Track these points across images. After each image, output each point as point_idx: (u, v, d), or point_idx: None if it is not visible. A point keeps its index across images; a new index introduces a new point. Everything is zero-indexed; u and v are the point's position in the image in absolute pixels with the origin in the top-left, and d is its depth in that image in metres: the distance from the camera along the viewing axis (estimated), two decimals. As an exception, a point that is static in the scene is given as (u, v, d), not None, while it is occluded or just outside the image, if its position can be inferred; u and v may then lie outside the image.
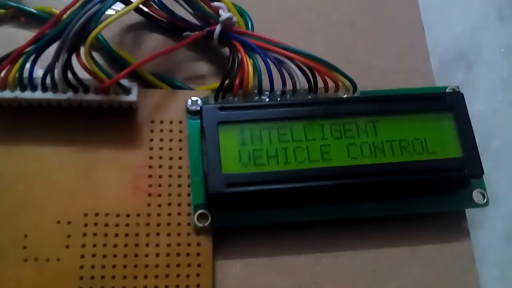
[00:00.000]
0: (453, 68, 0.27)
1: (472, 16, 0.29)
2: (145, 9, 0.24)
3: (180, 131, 0.22)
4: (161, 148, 0.22)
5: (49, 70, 0.20)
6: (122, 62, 0.23)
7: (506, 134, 0.26)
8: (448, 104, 0.22)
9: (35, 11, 0.24)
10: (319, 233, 0.22)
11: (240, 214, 0.21)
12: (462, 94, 0.23)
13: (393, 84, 0.24)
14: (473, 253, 0.23)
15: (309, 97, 0.23)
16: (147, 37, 0.25)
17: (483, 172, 0.21)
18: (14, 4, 0.24)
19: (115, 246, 0.20)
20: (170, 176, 0.21)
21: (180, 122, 0.22)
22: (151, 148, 0.22)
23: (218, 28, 0.23)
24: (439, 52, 0.27)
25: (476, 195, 0.22)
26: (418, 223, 0.23)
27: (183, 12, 0.24)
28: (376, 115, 0.22)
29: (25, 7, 0.24)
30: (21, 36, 0.24)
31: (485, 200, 0.22)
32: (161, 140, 0.22)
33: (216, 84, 0.23)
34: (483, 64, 0.27)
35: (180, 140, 0.22)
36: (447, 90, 0.24)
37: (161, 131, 0.22)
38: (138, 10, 0.24)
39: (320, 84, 0.22)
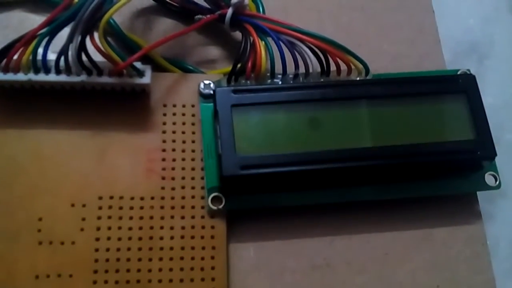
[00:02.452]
0: (465, 61, 0.27)
1: (484, 9, 0.28)
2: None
3: (193, 115, 0.22)
4: (174, 132, 0.22)
5: (63, 52, 0.20)
6: (133, 46, 0.23)
7: None
8: (461, 86, 0.22)
9: (45, -5, 0.24)
10: (332, 216, 0.22)
11: (254, 197, 0.21)
12: (474, 77, 0.23)
13: (404, 68, 0.24)
14: (486, 236, 0.23)
15: (322, 79, 0.23)
16: (158, 21, 0.25)
17: (495, 154, 0.21)
18: (24, -12, 0.24)
19: (130, 229, 0.20)
20: (183, 159, 0.21)
21: (193, 106, 0.22)
22: (164, 132, 0.22)
23: (229, 11, 0.23)
24: (451, 44, 0.27)
25: (488, 178, 0.22)
26: (431, 206, 0.23)
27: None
28: (389, 97, 0.22)
29: (36, -9, 0.24)
30: (33, 20, 0.24)
31: (497, 182, 0.22)
32: (174, 123, 0.22)
33: (228, 68, 0.23)
34: (495, 56, 0.27)
35: (193, 124, 0.22)
36: (459, 73, 0.24)
37: (174, 114, 0.22)
38: (149, -7, 0.24)
39: (333, 67, 0.22)
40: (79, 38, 0.19)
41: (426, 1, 0.27)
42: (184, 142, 0.22)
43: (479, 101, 0.22)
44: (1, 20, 0.24)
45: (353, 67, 0.23)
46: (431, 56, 0.26)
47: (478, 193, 0.23)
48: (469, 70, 0.24)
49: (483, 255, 0.22)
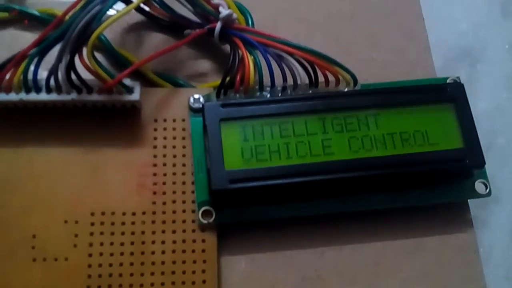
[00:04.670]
0: (457, 65, 0.27)
1: (476, 13, 0.29)
2: (146, 8, 0.24)
3: (183, 129, 0.22)
4: (164, 146, 0.22)
5: (53, 71, 0.20)
6: (124, 61, 0.24)
7: (510, 132, 0.26)
8: (449, 95, 0.22)
9: (38, 14, 0.24)
10: (323, 227, 0.22)
11: (243, 210, 0.21)
12: (462, 85, 0.23)
13: (394, 76, 0.24)
14: (477, 244, 0.23)
15: (310, 91, 0.23)
16: (148, 36, 0.25)
17: (484, 163, 0.21)
18: (17, 7, 0.25)
19: (122, 244, 0.20)
20: (174, 174, 0.22)
21: (183, 120, 0.22)
22: (155, 147, 0.22)
23: (218, 25, 0.23)
24: (443, 49, 0.27)
25: (478, 186, 0.22)
26: (421, 215, 0.23)
27: (184, 10, 0.24)
28: (377, 108, 0.22)
29: (28, 10, 0.25)
30: (25, 38, 0.24)
31: (487, 190, 0.22)
32: (165, 138, 0.22)
33: (217, 81, 0.23)
34: (487, 61, 0.27)
35: (183, 138, 0.22)
36: (448, 81, 0.24)
37: (165, 129, 0.22)
38: (139, 9, 0.24)
39: (321, 78, 0.23)
40: (68, 57, 0.20)
41: (416, 8, 0.27)
42: (175, 156, 0.22)
43: (468, 110, 0.22)
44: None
45: (341, 78, 0.23)
46: (421, 63, 0.26)
47: (471, 200, 0.23)
48: (458, 77, 0.24)
49: (475, 263, 0.22)
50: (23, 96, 0.21)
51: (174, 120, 0.22)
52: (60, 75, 0.20)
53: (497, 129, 0.26)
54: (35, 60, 0.20)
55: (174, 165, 0.22)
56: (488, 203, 0.24)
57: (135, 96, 0.21)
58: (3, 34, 0.25)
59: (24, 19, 0.25)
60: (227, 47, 0.24)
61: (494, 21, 0.29)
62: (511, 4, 0.29)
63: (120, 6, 0.21)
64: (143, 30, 0.25)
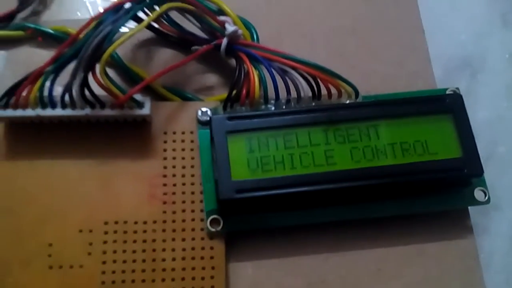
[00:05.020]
0: (458, 76, 0.27)
1: (477, 23, 0.29)
2: (156, 26, 0.25)
3: (192, 141, 0.23)
4: (174, 158, 0.23)
5: (68, 88, 0.21)
6: (135, 77, 0.25)
7: (510, 140, 0.26)
8: (448, 106, 0.23)
9: (52, 32, 0.26)
10: (327, 234, 0.23)
11: (250, 218, 0.22)
12: (461, 96, 0.23)
13: (395, 88, 0.25)
14: (477, 251, 0.23)
15: (313, 104, 0.24)
16: (158, 52, 0.26)
17: (482, 171, 0.22)
18: (32, 25, 0.26)
19: (134, 252, 0.21)
20: (183, 184, 0.22)
21: (192, 132, 0.23)
22: (165, 158, 0.23)
23: (224, 41, 0.24)
24: (443, 60, 0.27)
25: (477, 193, 0.23)
26: (422, 222, 0.23)
27: (192, 27, 0.25)
28: (378, 119, 0.23)
29: (42, 28, 0.26)
30: (39, 55, 0.25)
31: (486, 197, 0.23)
32: (174, 150, 0.23)
33: (224, 94, 0.24)
34: (488, 71, 0.28)
35: (192, 150, 0.23)
36: (447, 92, 0.25)
37: (174, 141, 0.23)
38: (149, 26, 0.25)
39: (324, 91, 0.23)
40: (82, 74, 0.21)
41: (416, 20, 0.28)
42: (184, 167, 0.23)
43: (466, 120, 0.23)
44: (10, 55, 0.26)
45: (343, 90, 0.24)
46: (421, 75, 0.26)
47: (471, 207, 0.24)
48: (458, 88, 0.25)
49: (475, 269, 0.23)
50: (39, 111, 0.22)
51: (183, 133, 0.23)
52: (74, 91, 0.21)
53: (498, 138, 0.26)
54: (51, 77, 0.21)
55: (183, 175, 0.22)
56: (488, 211, 0.24)
57: (146, 110, 0.22)
58: (19, 52, 0.26)
59: (38, 37, 0.26)
60: (233, 62, 0.25)
61: (494, 31, 0.29)
62: (511, 15, 0.29)
63: (131, 23, 0.22)
64: (152, 46, 0.26)
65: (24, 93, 0.22)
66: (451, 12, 0.29)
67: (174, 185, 0.22)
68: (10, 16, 0.26)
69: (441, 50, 0.28)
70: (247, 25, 0.25)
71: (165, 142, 0.23)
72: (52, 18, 0.27)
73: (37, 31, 0.26)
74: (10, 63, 0.26)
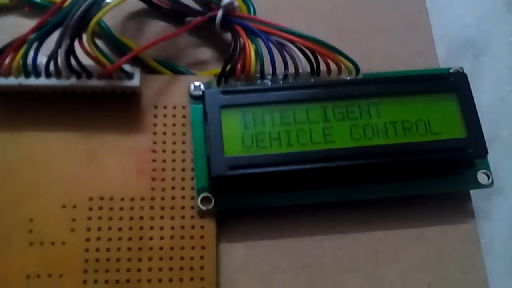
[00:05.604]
0: (460, 58, 0.27)
1: (480, 6, 0.28)
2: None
3: (184, 116, 0.22)
4: (164, 133, 0.22)
5: (52, 56, 0.20)
6: (125, 48, 0.24)
7: None
8: (452, 84, 0.22)
9: (38, 1, 0.24)
10: (323, 215, 0.22)
11: (243, 197, 0.21)
12: (465, 75, 0.23)
13: (397, 67, 0.24)
14: (478, 235, 0.23)
15: (312, 79, 0.23)
16: (149, 24, 0.25)
17: (487, 152, 0.21)
18: (18, -6, 0.25)
19: (120, 229, 0.20)
20: (173, 160, 0.21)
21: (183, 107, 0.22)
22: (154, 133, 0.22)
23: (219, 13, 0.23)
24: (447, 42, 0.27)
25: (480, 176, 0.22)
26: (423, 205, 0.23)
27: (186, -2, 0.24)
28: (379, 96, 0.22)
29: (29, -3, 0.25)
30: (26, 25, 0.24)
31: (489, 180, 0.22)
32: (165, 125, 0.22)
33: (218, 69, 0.23)
34: (491, 53, 0.27)
35: (183, 125, 0.22)
36: (451, 71, 0.24)
37: (165, 116, 0.22)
38: (140, -4, 0.24)
39: (323, 66, 0.23)
40: (68, 42, 0.20)
41: (420, 1, 0.27)
42: (174, 143, 0.22)
43: (471, 99, 0.22)
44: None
45: (343, 66, 0.23)
46: (424, 55, 0.26)
47: (473, 191, 0.23)
48: (462, 68, 0.24)
49: (476, 254, 0.22)
50: (22, 80, 0.21)
51: (174, 107, 0.22)
52: (59, 60, 0.20)
53: (501, 121, 0.26)
54: (35, 45, 0.20)
55: (173, 151, 0.22)
56: (490, 195, 0.24)
57: (135, 82, 0.21)
58: (4, 21, 0.25)
59: (25, 6, 0.25)
60: (228, 35, 0.24)
61: (498, 15, 0.28)
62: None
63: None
64: (144, 17, 0.25)
65: (6, 61, 0.21)
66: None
67: (164, 161, 0.21)
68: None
69: (445, 32, 0.27)
70: (243, -3, 0.24)
71: (155, 116, 0.22)
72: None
73: (23, 1, 0.25)
74: (-5, 32, 0.24)
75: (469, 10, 0.28)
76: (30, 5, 0.25)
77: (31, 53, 0.21)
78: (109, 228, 0.20)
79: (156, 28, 0.25)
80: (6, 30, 0.24)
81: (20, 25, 0.24)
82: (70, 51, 0.20)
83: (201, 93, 0.22)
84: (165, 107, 0.22)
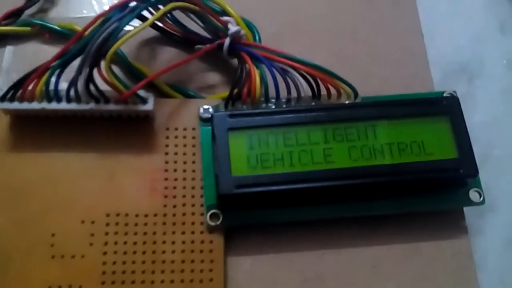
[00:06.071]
0: (455, 80, 0.28)
1: (475, 29, 0.29)
2: (160, 24, 0.26)
3: (193, 137, 0.24)
4: (176, 153, 0.23)
5: (73, 83, 0.22)
6: (139, 74, 0.25)
7: (506, 144, 0.27)
8: (444, 108, 0.23)
9: (58, 28, 0.26)
10: (323, 231, 0.23)
11: (249, 214, 0.22)
12: (457, 98, 0.24)
13: (394, 90, 0.26)
14: (471, 250, 0.24)
15: (313, 103, 0.24)
16: (162, 50, 0.27)
17: (477, 172, 0.22)
18: (39, 22, 0.26)
19: (135, 243, 0.22)
20: (184, 179, 0.23)
21: (193, 129, 0.24)
22: (166, 153, 0.23)
23: (227, 41, 0.24)
24: (442, 65, 0.28)
25: (472, 194, 0.23)
26: (418, 222, 0.24)
27: (195, 26, 0.25)
28: (376, 119, 0.23)
29: (49, 25, 0.26)
30: (46, 51, 0.26)
31: (481, 198, 0.23)
32: (176, 145, 0.23)
33: (226, 93, 0.24)
34: (484, 75, 0.28)
35: (193, 146, 0.23)
36: (444, 95, 0.25)
37: (176, 137, 0.24)
38: (153, 25, 0.26)
39: (323, 91, 0.24)
40: (87, 70, 0.21)
41: (415, 25, 0.28)
42: (185, 162, 0.23)
43: (462, 122, 0.23)
44: (17, 51, 0.26)
45: (342, 91, 0.24)
46: (420, 78, 0.27)
47: (467, 208, 0.24)
48: (455, 91, 0.25)
49: (469, 268, 0.23)
50: (45, 105, 0.22)
51: (184, 129, 0.24)
52: (79, 86, 0.22)
53: (494, 141, 0.27)
54: (57, 72, 0.22)
55: (184, 170, 0.23)
56: (483, 212, 0.25)
57: (149, 106, 0.23)
58: (26, 48, 0.26)
59: (45, 34, 0.26)
60: (234, 61, 0.26)
61: (491, 37, 0.29)
62: (509, 21, 0.30)
63: (136, 22, 0.23)
64: (156, 44, 0.27)
65: (30, 87, 0.22)
66: (450, 17, 0.30)
67: (175, 179, 0.23)
68: (18, 12, 0.27)
69: (440, 54, 0.28)
70: (249, 26, 0.26)
71: (167, 137, 0.24)
72: (59, 16, 0.27)
73: (44, 28, 0.26)
74: (17, 58, 0.26)
75: (463, 32, 0.29)
76: (50, 32, 0.26)
77: (53, 79, 0.22)
78: (125, 243, 0.21)
79: (168, 54, 0.27)
80: (27, 56, 0.26)
81: (40, 51, 0.26)
82: (90, 78, 0.22)
83: (209, 115, 0.24)
84: (176, 129, 0.24)
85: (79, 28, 0.25)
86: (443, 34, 0.29)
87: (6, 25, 0.26)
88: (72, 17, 0.27)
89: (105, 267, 0.21)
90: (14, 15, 0.27)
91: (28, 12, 0.27)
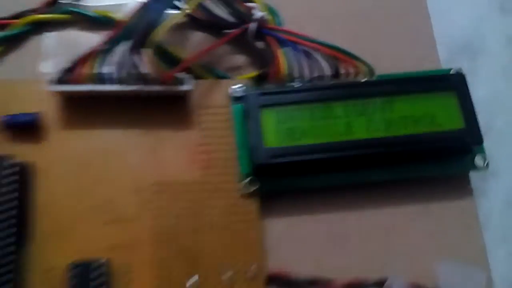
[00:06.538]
0: (460, 58, 0.30)
1: (476, 10, 0.31)
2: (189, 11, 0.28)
3: (225, 114, 0.26)
4: (210, 129, 0.25)
5: (120, 66, 0.24)
6: (172, 57, 0.27)
7: (507, 115, 0.29)
8: (452, 84, 0.26)
9: (96, 15, 0.28)
10: (346, 195, 0.26)
11: (280, 180, 0.25)
12: (464, 75, 0.26)
13: (405, 68, 0.27)
14: (477, 210, 0.26)
15: (334, 81, 0.26)
16: (191, 34, 0.29)
17: (482, 140, 0.25)
18: (76, 10, 0.28)
19: (181, 208, 0.24)
20: (219, 151, 0.25)
21: (225, 107, 0.26)
22: (203, 129, 0.25)
23: (253, 26, 0.27)
24: (447, 44, 0.30)
25: (477, 160, 0.26)
26: (429, 186, 0.26)
27: (222, 12, 0.28)
28: (391, 95, 0.25)
29: (86, 12, 0.28)
30: (85, 37, 0.28)
31: (485, 164, 0.26)
32: (210, 122, 0.26)
33: (252, 73, 0.27)
34: (486, 53, 0.30)
35: (225, 122, 0.26)
36: (451, 72, 0.27)
37: (210, 114, 0.26)
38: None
39: (343, 70, 0.26)
40: (134, 55, 0.24)
41: (423, 8, 0.30)
42: (219, 137, 0.25)
43: (468, 96, 0.26)
44: (59, 36, 0.28)
45: (360, 70, 0.26)
46: (428, 57, 0.29)
47: (472, 173, 0.27)
48: (461, 68, 0.27)
49: (475, 226, 0.26)
50: (94, 87, 0.24)
51: (217, 107, 0.26)
52: (125, 69, 0.24)
53: (496, 113, 0.29)
54: (104, 56, 0.24)
55: (219, 144, 0.25)
56: (487, 177, 0.27)
57: (189, 86, 0.25)
58: (63, 34, 0.28)
59: (81, 21, 0.28)
60: (259, 44, 0.28)
61: (492, 17, 0.31)
62: (509, 1, 0.32)
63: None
64: (185, 30, 0.29)
65: (80, 70, 0.24)
66: (454, 1, 0.32)
67: (211, 152, 0.25)
68: (53, 1, 0.29)
69: (446, 34, 0.30)
70: (271, 10, 0.28)
71: (202, 115, 0.26)
72: (92, 3, 0.29)
73: (81, 15, 0.28)
74: (57, 44, 0.28)
75: (466, 13, 0.31)
76: (87, 19, 0.28)
77: (101, 63, 0.24)
78: (171, 208, 0.24)
79: (197, 38, 0.28)
80: (65, 42, 0.28)
81: (79, 37, 0.28)
82: (135, 61, 0.24)
83: (240, 94, 0.26)
84: (210, 107, 0.26)
85: (114, 15, 0.27)
86: (449, 16, 0.31)
87: (44, 13, 0.28)
88: (105, 4, 0.29)
89: (157, 229, 0.24)
90: (49, 4, 0.28)
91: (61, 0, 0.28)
